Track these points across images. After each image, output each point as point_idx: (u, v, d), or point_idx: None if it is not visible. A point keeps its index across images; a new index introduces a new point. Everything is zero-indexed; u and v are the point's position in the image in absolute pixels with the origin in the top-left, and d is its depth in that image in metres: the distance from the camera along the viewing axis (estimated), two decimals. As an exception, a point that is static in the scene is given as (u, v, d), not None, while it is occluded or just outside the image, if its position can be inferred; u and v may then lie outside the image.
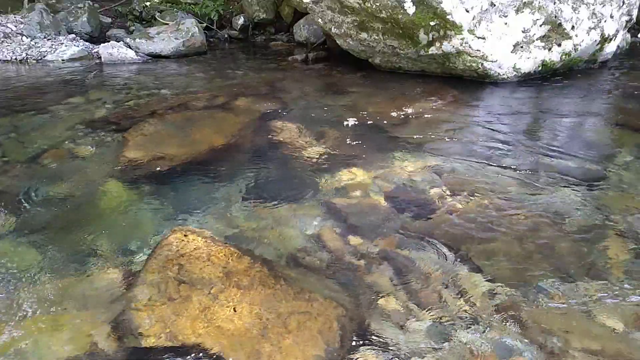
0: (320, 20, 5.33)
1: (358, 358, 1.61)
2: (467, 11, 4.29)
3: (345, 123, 3.75)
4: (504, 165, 3.00)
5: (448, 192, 2.65)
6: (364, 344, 1.67)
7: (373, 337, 1.70)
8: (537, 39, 4.65)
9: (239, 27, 7.82)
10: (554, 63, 4.87)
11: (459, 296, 1.89)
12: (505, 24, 4.44)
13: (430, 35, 4.55)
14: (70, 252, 2.18)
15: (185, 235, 2.05)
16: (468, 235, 2.27)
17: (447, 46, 4.54)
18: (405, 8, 4.37)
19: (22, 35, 6.62)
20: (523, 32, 4.52)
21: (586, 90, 4.74)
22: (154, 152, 3.21)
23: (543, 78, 4.91)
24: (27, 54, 6.25)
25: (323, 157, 3.16)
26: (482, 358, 1.60)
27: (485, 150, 3.23)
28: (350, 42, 5.28)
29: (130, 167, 3.03)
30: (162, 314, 1.73)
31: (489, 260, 2.09)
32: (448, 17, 4.30)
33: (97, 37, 7.17)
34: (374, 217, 2.45)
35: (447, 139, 3.44)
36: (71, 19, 7.15)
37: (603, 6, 4.80)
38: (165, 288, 1.82)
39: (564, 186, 2.70)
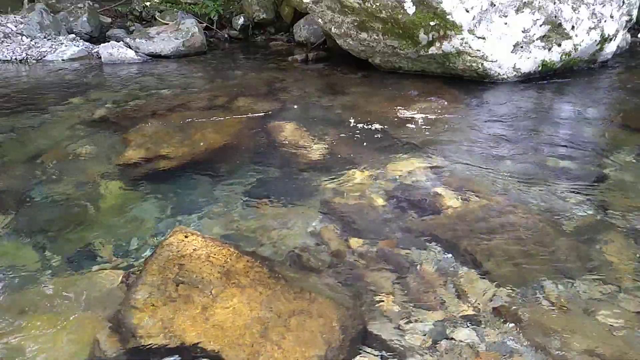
0: (320, 20, 5.33)
1: (358, 358, 1.61)
2: (467, 11, 4.28)
3: (345, 123, 3.75)
4: (503, 165, 3.00)
5: (448, 192, 2.65)
6: (364, 344, 1.67)
7: (373, 337, 1.70)
8: (537, 39, 4.65)
9: (239, 27, 7.82)
10: (554, 63, 4.87)
11: (459, 296, 1.89)
12: (505, 24, 4.44)
13: (430, 35, 4.55)
14: (70, 252, 2.19)
15: (185, 236, 2.05)
16: (468, 235, 2.27)
17: (447, 46, 4.54)
18: (405, 8, 4.37)
19: (22, 35, 6.62)
20: (523, 32, 4.52)
21: (586, 90, 4.74)
22: (154, 152, 3.21)
23: (543, 78, 4.90)
24: (27, 54, 6.25)
25: (323, 157, 3.16)
26: (482, 358, 1.60)
27: (485, 150, 3.23)
28: (350, 42, 5.28)
29: (130, 167, 3.03)
30: (162, 314, 1.73)
31: (489, 260, 2.09)
32: (448, 17, 4.30)
33: (97, 37, 7.17)
34: (374, 217, 2.45)
35: (447, 139, 3.44)
36: (71, 19, 7.15)
37: (603, 6, 4.80)
38: (165, 288, 1.82)
39: (564, 186, 2.70)
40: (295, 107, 4.25)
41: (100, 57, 6.23)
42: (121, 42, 6.54)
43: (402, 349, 1.65)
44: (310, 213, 2.49)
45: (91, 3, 7.59)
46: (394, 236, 2.28)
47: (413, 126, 3.70)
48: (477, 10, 4.31)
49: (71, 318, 1.79)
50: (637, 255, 2.10)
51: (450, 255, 2.13)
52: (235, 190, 2.74)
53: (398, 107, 4.09)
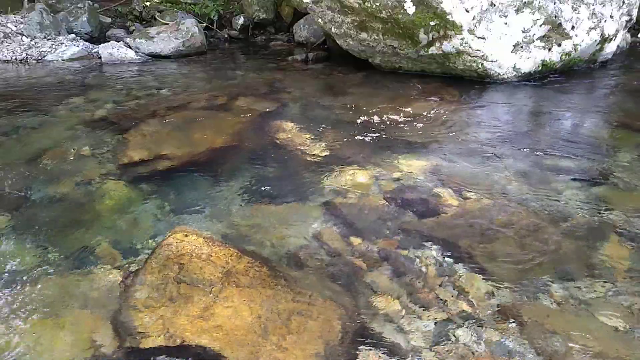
0: (320, 20, 5.33)
1: (358, 358, 1.61)
2: (467, 11, 4.28)
3: (346, 123, 3.75)
4: (504, 165, 3.00)
5: (448, 192, 2.65)
6: (364, 344, 1.67)
7: (373, 337, 1.70)
8: (537, 39, 4.65)
9: (239, 27, 7.82)
10: (554, 63, 4.87)
11: (459, 296, 1.89)
12: (505, 24, 4.44)
13: (430, 35, 4.55)
14: (70, 252, 2.18)
15: (185, 236, 2.05)
16: (468, 235, 2.27)
17: (447, 46, 4.54)
18: (405, 8, 4.37)
19: (22, 35, 6.62)
20: (523, 32, 4.52)
21: (586, 90, 4.74)
22: (154, 152, 3.21)
23: (543, 78, 4.90)
24: (27, 54, 6.25)
25: (323, 157, 3.16)
26: (482, 358, 1.60)
27: (485, 150, 3.23)
28: (350, 42, 5.28)
29: (130, 167, 3.03)
30: (162, 314, 1.73)
31: (489, 260, 2.09)
32: (448, 17, 4.30)
33: (97, 37, 7.17)
34: (374, 217, 2.45)
35: (447, 139, 3.44)
36: (71, 19, 7.15)
37: (603, 6, 4.80)
38: (165, 288, 1.82)
39: (564, 186, 2.70)
40: (295, 107, 4.25)
41: (100, 57, 6.23)
42: (121, 42, 6.54)
43: (402, 349, 1.65)
44: (310, 213, 2.49)
45: (91, 3, 7.59)
46: (394, 236, 2.28)
47: (413, 126, 3.70)
48: (477, 10, 4.31)
49: (71, 318, 1.79)
50: (637, 255, 2.10)
51: (450, 255, 2.13)
52: (235, 190, 2.74)
53: (398, 107, 4.09)
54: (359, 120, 3.80)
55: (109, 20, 7.81)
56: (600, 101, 4.42)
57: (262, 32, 7.95)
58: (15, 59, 6.18)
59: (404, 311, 1.81)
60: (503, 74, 4.72)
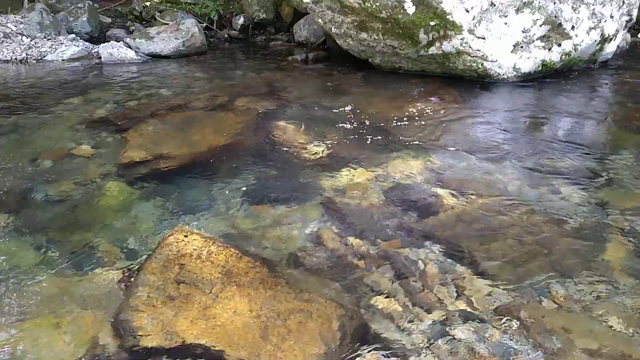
0: (320, 20, 5.33)
1: (358, 358, 1.61)
2: (467, 11, 4.28)
3: (346, 123, 3.75)
4: (503, 165, 3.00)
5: (448, 192, 2.65)
6: (364, 344, 1.67)
7: (373, 337, 1.70)
8: (537, 39, 4.65)
9: (239, 27, 7.81)
10: (554, 63, 4.87)
11: (459, 296, 1.89)
12: (505, 24, 4.44)
13: (430, 35, 4.55)
14: (70, 252, 2.19)
15: (185, 236, 2.05)
16: (468, 235, 2.27)
17: (447, 46, 4.54)
18: (405, 8, 4.37)
19: (22, 35, 6.62)
20: (523, 32, 4.52)
21: (586, 90, 4.74)
22: (154, 152, 3.21)
23: (543, 78, 4.90)
24: (27, 54, 6.24)
25: (323, 157, 3.16)
26: (482, 358, 1.60)
27: (485, 150, 3.23)
28: (350, 42, 5.28)
29: (130, 167, 3.03)
30: (162, 314, 1.73)
31: (489, 260, 2.09)
32: (448, 17, 4.30)
33: (97, 37, 7.16)
34: (374, 217, 2.45)
35: (447, 139, 3.44)
36: (71, 19, 7.15)
37: (603, 6, 4.79)
38: (166, 288, 1.82)
39: (564, 186, 2.70)
40: (295, 107, 4.25)
41: (100, 57, 6.22)
42: (121, 42, 6.53)
43: (402, 348, 1.65)
44: (310, 213, 2.49)
45: (91, 3, 7.58)
46: (394, 236, 2.28)
47: (413, 126, 3.70)
48: (477, 10, 4.31)
49: (71, 318, 1.79)
50: (637, 255, 2.10)
51: (450, 255, 2.13)
52: (235, 190, 2.74)
53: (398, 107, 4.09)
54: (358, 120, 3.80)
55: (109, 20, 7.80)
56: (600, 101, 4.42)
57: (262, 32, 7.94)
58: (15, 59, 6.17)
59: (403, 311, 1.82)
60: (503, 74, 4.72)
